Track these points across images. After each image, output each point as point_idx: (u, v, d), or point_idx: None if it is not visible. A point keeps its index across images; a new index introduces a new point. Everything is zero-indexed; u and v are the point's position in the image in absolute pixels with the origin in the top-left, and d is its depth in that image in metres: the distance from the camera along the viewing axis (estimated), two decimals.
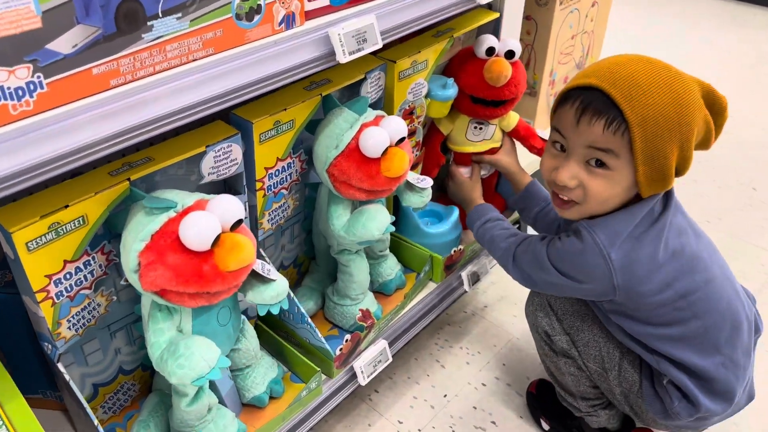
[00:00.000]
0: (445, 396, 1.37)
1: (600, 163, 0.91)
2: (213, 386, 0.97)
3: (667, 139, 0.87)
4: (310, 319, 1.08)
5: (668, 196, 0.99)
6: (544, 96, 1.72)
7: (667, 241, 0.96)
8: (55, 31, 0.61)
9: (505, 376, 1.42)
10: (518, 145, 1.42)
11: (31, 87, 0.62)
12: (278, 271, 1.20)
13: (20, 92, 0.61)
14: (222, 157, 0.90)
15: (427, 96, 1.25)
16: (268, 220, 1.08)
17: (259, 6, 0.77)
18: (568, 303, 1.14)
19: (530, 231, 1.59)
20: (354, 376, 1.15)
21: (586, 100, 0.89)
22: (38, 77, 0.62)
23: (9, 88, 0.60)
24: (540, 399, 1.33)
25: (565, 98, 0.93)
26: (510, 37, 1.31)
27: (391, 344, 1.21)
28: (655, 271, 0.95)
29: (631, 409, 1.12)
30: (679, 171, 0.93)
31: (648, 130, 0.86)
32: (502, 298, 1.63)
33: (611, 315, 1.05)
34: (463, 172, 1.40)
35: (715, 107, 0.93)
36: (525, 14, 1.60)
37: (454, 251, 1.31)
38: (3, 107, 0.60)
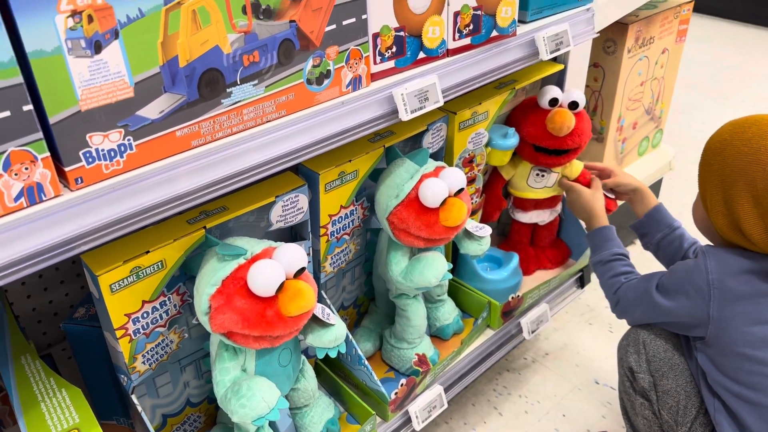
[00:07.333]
0: None
1: None
2: (273, 424, 1.00)
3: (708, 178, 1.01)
4: (367, 362, 1.10)
5: None
6: (612, 142, 1.71)
7: None
8: (145, 99, 0.68)
9: (565, 427, 1.39)
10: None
11: (122, 149, 0.69)
12: (338, 311, 1.24)
13: (112, 153, 0.68)
14: (290, 206, 0.95)
15: (487, 145, 1.27)
16: (330, 264, 1.12)
17: (329, 71, 0.82)
18: (662, 348, 1.11)
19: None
20: (409, 420, 1.16)
21: None
22: (128, 140, 0.69)
23: (103, 150, 0.67)
24: None
25: None
26: (574, 88, 1.32)
27: (447, 389, 1.22)
28: (758, 323, 0.95)
29: None
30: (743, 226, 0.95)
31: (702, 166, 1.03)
32: (564, 345, 1.60)
33: (699, 355, 1.04)
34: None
35: None
36: (592, 62, 1.60)
37: (512, 298, 1.31)
38: (97, 167, 0.68)
